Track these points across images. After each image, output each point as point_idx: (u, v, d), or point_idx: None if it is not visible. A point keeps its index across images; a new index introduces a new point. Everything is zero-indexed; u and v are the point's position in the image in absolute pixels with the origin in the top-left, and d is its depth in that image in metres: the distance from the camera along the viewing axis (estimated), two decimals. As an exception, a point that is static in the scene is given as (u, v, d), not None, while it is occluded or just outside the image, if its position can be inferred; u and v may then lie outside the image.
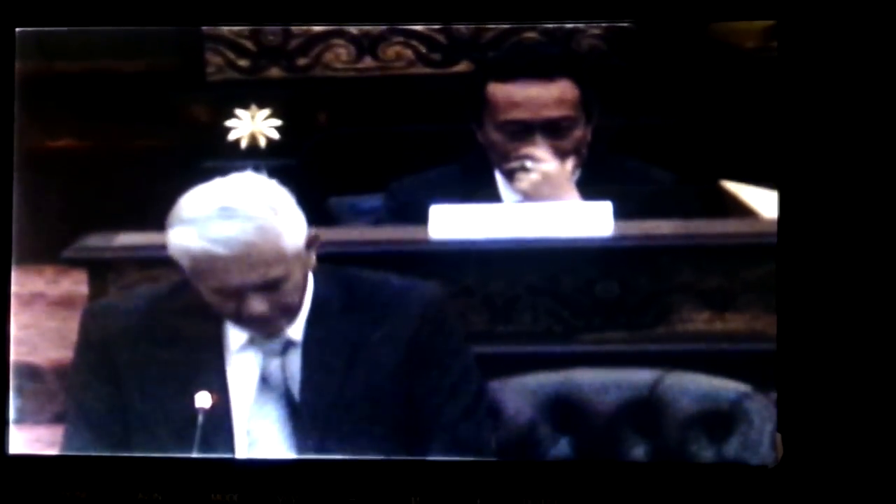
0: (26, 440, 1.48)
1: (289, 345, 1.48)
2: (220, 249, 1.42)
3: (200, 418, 1.45)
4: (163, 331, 1.48)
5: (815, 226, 1.41)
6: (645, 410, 1.46)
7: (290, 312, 1.47)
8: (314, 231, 1.46)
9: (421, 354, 1.47)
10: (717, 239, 1.49)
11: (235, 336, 1.47)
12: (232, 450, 1.46)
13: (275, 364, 1.48)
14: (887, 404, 1.40)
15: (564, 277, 1.48)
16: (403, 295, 1.48)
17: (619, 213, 1.48)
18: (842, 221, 1.41)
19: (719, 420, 1.46)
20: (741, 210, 1.47)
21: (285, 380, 1.48)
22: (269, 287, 1.44)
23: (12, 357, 1.48)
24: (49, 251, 1.50)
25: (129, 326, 1.48)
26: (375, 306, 1.47)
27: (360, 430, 1.46)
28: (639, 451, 1.47)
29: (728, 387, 1.47)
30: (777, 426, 1.43)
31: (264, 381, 1.48)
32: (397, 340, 1.47)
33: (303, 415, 1.47)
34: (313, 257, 1.47)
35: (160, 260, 1.49)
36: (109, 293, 1.51)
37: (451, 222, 1.49)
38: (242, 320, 1.46)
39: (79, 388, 1.48)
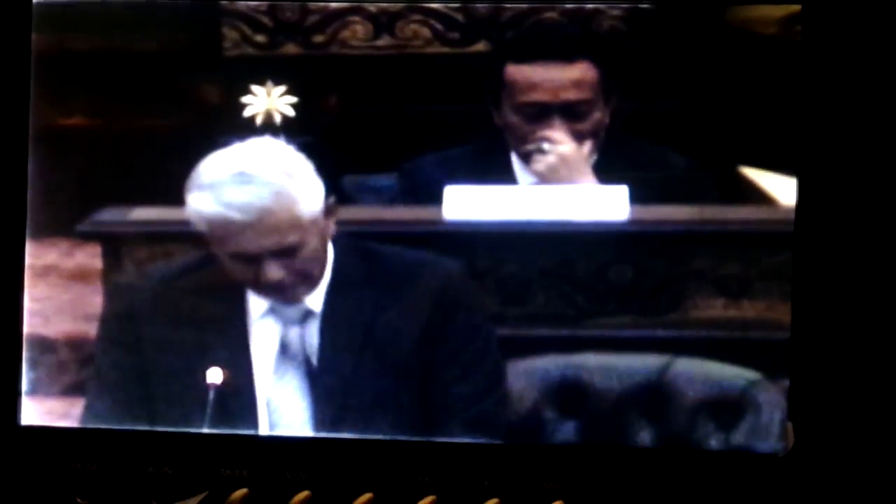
0: (38, 412, 1.49)
1: (308, 314, 1.48)
2: (235, 214, 1.43)
3: (211, 394, 1.46)
4: (186, 302, 1.49)
5: (833, 215, 1.40)
6: (653, 396, 1.46)
7: (310, 280, 1.47)
8: (332, 199, 1.46)
9: (438, 331, 1.47)
10: (733, 226, 1.47)
11: (256, 305, 1.48)
12: (254, 421, 1.47)
13: (294, 333, 1.48)
14: (901, 397, 1.39)
15: (578, 261, 1.48)
16: (423, 270, 1.48)
17: (635, 198, 1.47)
18: (860, 211, 1.40)
19: (727, 407, 1.46)
20: (759, 197, 1.46)
21: (304, 349, 1.48)
22: (286, 253, 1.45)
23: (25, 329, 1.48)
24: (64, 224, 1.50)
25: (153, 297, 1.49)
26: (395, 280, 1.48)
27: (375, 405, 1.47)
28: (646, 437, 1.46)
29: (737, 374, 1.46)
30: (788, 415, 1.42)
31: (283, 350, 1.48)
32: (415, 315, 1.47)
33: (320, 386, 1.47)
34: (332, 225, 1.47)
35: (174, 235, 1.50)
36: (124, 267, 1.52)
37: (465, 203, 1.49)
38: (260, 287, 1.47)
39: (101, 359, 1.49)
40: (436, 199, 1.48)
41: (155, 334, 1.49)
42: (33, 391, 1.49)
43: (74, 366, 1.50)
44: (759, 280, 1.46)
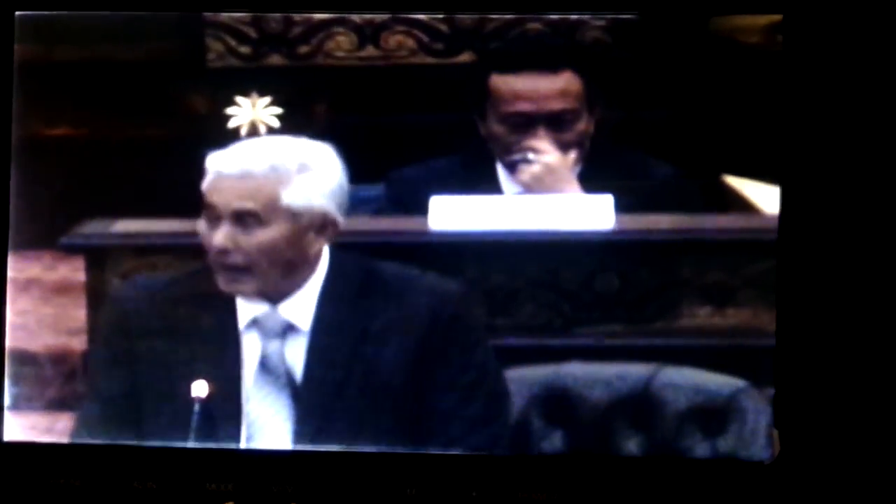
0: (21, 426, 1.47)
1: (289, 328, 1.47)
2: (226, 167, 1.44)
3: (196, 407, 1.45)
4: (176, 313, 1.47)
5: (816, 222, 1.41)
6: (639, 405, 1.46)
7: (260, 276, 1.45)
8: (335, 220, 1.45)
9: (434, 351, 1.46)
10: (718, 234, 1.49)
11: (242, 317, 1.47)
12: (238, 434, 1.46)
13: (274, 346, 1.47)
14: (885, 401, 1.40)
15: (565, 270, 1.48)
16: (420, 289, 1.47)
17: (621, 207, 1.48)
18: (843, 218, 1.41)
19: (713, 415, 1.46)
20: (742, 205, 1.47)
21: (285, 364, 1.47)
22: (243, 218, 1.43)
23: (8, 343, 1.47)
24: (47, 237, 1.49)
25: (146, 309, 1.48)
26: (390, 298, 1.47)
27: (361, 422, 1.46)
28: (632, 445, 1.46)
29: (722, 382, 1.47)
30: (774, 422, 1.43)
31: (263, 364, 1.47)
32: (408, 334, 1.46)
33: (303, 402, 1.46)
34: (321, 242, 1.46)
35: (158, 247, 1.49)
36: (109, 280, 1.50)
37: (451, 213, 1.49)
38: (214, 263, 1.45)
39: (95, 372, 1.48)
40: (422, 209, 1.48)
41: (146, 346, 1.48)
42: (16, 406, 1.48)
43: (58, 380, 1.49)
44: (744, 288, 1.47)
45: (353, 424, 1.46)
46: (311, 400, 1.46)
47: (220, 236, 1.44)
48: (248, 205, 1.44)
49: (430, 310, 1.46)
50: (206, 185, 1.45)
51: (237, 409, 1.47)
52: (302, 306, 1.47)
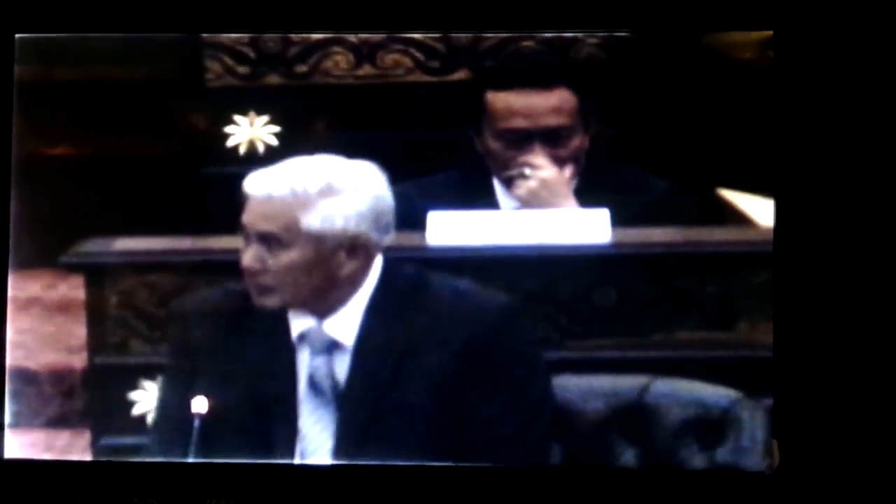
0: (22, 444, 1.47)
1: (334, 345, 1.47)
2: (251, 189, 1.44)
3: (197, 422, 1.45)
4: (235, 329, 1.47)
5: (811, 234, 1.42)
6: (635, 417, 1.46)
7: (287, 290, 1.45)
8: (367, 241, 1.45)
9: (472, 364, 1.45)
10: (713, 247, 1.49)
11: (293, 331, 1.47)
12: (292, 449, 1.46)
13: (319, 362, 1.47)
14: (883, 411, 1.40)
15: (562, 284, 1.49)
16: (465, 302, 1.46)
17: (617, 221, 1.49)
18: (838, 230, 1.42)
19: (709, 426, 1.46)
20: (738, 218, 1.48)
21: (331, 381, 1.46)
22: (267, 240, 1.44)
23: (8, 361, 1.47)
24: (47, 256, 1.49)
25: (205, 323, 1.48)
26: (434, 312, 1.46)
27: (398, 437, 1.45)
28: (629, 457, 1.46)
29: (718, 393, 1.47)
30: (773, 433, 1.43)
31: (311, 380, 1.47)
32: (448, 347, 1.45)
33: (344, 419, 1.46)
34: (355, 262, 1.45)
35: (158, 265, 1.50)
36: (108, 298, 1.51)
37: (449, 229, 1.50)
38: (246, 279, 1.45)
39: (161, 391, 1.49)
40: (419, 224, 1.49)
41: (205, 360, 1.48)
42: (16, 424, 1.48)
43: (58, 398, 1.49)
44: (741, 300, 1.47)
45: (391, 440, 1.45)
46: (350, 416, 1.45)
47: (248, 256, 1.45)
48: (270, 227, 1.44)
49: (472, 323, 1.45)
50: (244, 206, 1.46)
51: (292, 425, 1.46)
52: (346, 323, 1.46)
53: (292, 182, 1.44)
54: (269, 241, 1.44)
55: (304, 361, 1.47)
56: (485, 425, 1.44)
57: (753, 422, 1.45)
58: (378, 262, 1.47)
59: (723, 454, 1.46)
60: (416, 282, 1.47)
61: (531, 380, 1.46)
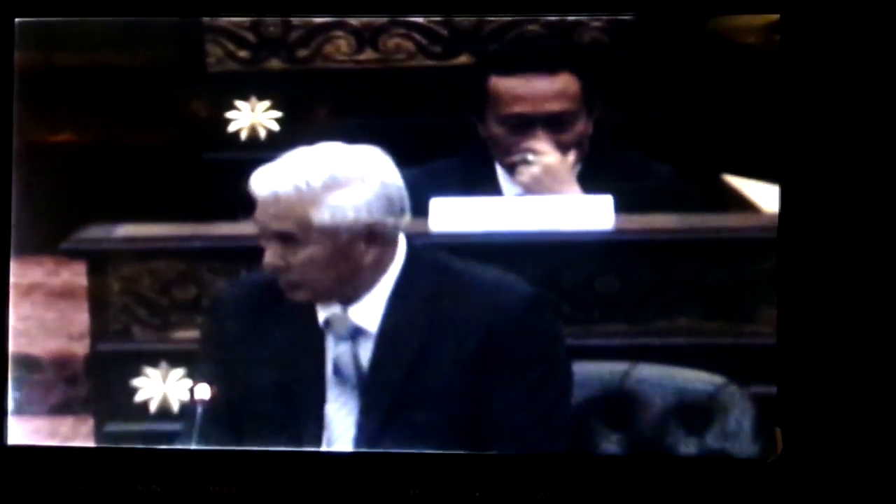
0: (25, 431, 1.48)
1: (357, 332, 1.46)
2: (257, 189, 1.43)
3: (199, 409, 1.46)
4: (266, 315, 1.47)
5: (816, 221, 1.41)
6: (615, 404, 1.47)
7: (316, 286, 1.45)
8: (384, 227, 1.44)
9: (493, 351, 1.44)
10: (717, 233, 1.49)
11: (320, 317, 1.47)
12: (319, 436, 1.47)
13: (343, 349, 1.46)
14: (887, 400, 1.40)
15: (565, 271, 1.48)
16: (489, 289, 1.46)
17: (620, 207, 1.48)
18: (843, 217, 1.41)
19: (694, 412, 1.46)
20: (742, 205, 1.47)
21: (355, 367, 1.46)
22: (283, 239, 1.43)
23: (11, 348, 1.47)
24: (48, 242, 1.49)
25: (238, 311, 1.48)
26: (458, 298, 1.45)
27: (421, 425, 1.45)
28: (611, 445, 1.46)
29: (703, 379, 1.47)
30: (776, 421, 1.43)
31: (336, 366, 1.47)
32: (470, 335, 1.44)
33: (366, 405, 1.45)
34: (376, 250, 1.44)
35: (160, 251, 1.50)
36: (110, 284, 1.51)
37: (451, 215, 1.49)
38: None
39: (201, 376, 1.49)
40: (421, 211, 1.48)
41: (239, 347, 1.48)
42: (19, 411, 1.48)
43: (61, 385, 1.50)
44: (745, 287, 1.47)
45: (413, 425, 1.45)
46: (373, 402, 1.45)
47: (270, 255, 1.44)
48: (283, 226, 1.43)
49: (496, 311, 1.44)
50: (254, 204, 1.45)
51: (319, 411, 1.46)
52: (371, 309, 1.46)
53: (296, 178, 1.43)
54: (286, 239, 1.43)
55: (330, 347, 1.47)
56: (503, 414, 1.44)
57: (739, 408, 1.45)
58: (402, 247, 1.46)
59: (711, 440, 1.46)
60: (440, 267, 1.46)
61: (552, 372, 1.45)
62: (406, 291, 1.46)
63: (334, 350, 1.47)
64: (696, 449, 1.46)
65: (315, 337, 1.47)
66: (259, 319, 1.48)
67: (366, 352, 1.46)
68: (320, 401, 1.46)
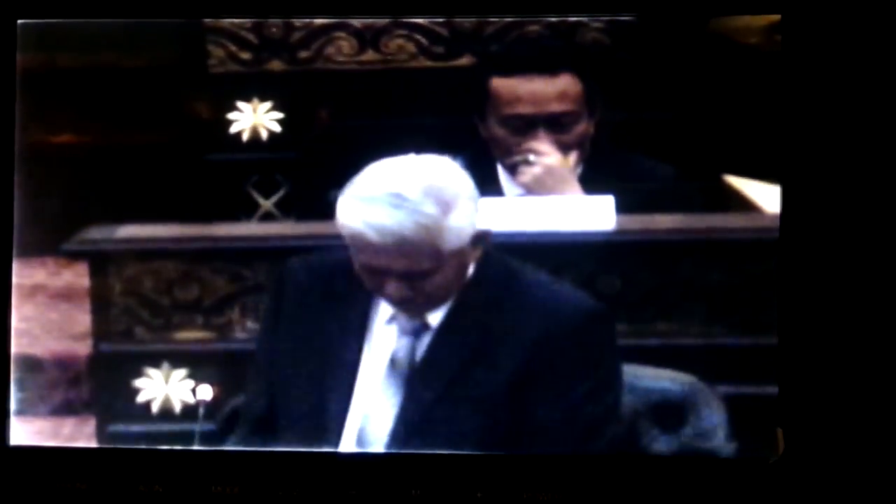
0: (27, 431, 1.48)
1: (423, 327, 1.46)
2: (373, 235, 1.40)
3: (201, 410, 1.46)
4: (321, 304, 1.47)
5: (817, 221, 1.41)
6: None
7: (434, 301, 1.45)
8: (485, 230, 1.44)
9: (543, 361, 1.43)
10: (719, 234, 1.49)
11: (385, 311, 1.46)
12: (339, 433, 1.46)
13: (403, 343, 1.46)
14: (888, 400, 1.40)
15: (566, 271, 1.48)
16: (550, 298, 1.45)
17: (622, 208, 1.48)
18: (844, 217, 1.41)
19: (667, 412, 1.46)
20: (744, 205, 1.47)
21: (410, 361, 1.46)
22: (414, 276, 1.42)
23: (13, 349, 1.48)
24: (51, 243, 1.50)
25: (307, 293, 1.47)
26: (521, 304, 1.44)
27: (460, 424, 1.44)
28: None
29: (673, 377, 1.47)
30: (778, 421, 1.43)
31: (392, 360, 1.46)
32: (523, 342, 1.43)
33: (412, 401, 1.45)
34: (479, 251, 1.44)
35: (162, 252, 1.50)
36: (113, 285, 1.51)
37: (452, 216, 1.49)
38: (384, 298, 1.45)
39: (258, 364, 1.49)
40: (423, 212, 1.49)
41: (288, 348, 1.47)
42: (21, 411, 1.49)
43: (63, 385, 1.50)
44: (746, 287, 1.47)
45: (451, 423, 1.44)
46: (418, 397, 1.44)
47: (396, 289, 1.42)
48: (417, 266, 1.42)
49: (552, 320, 1.44)
50: (352, 240, 1.42)
51: (364, 400, 1.46)
52: (440, 307, 1.46)
53: (415, 216, 1.40)
54: (415, 276, 1.42)
55: (391, 340, 1.46)
56: (545, 424, 1.43)
57: (710, 407, 1.45)
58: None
59: (684, 439, 1.46)
60: (507, 271, 1.46)
61: (602, 387, 1.44)
62: (473, 292, 1.45)
63: (396, 343, 1.46)
64: (673, 446, 1.46)
65: (377, 328, 1.46)
66: (321, 301, 1.46)
67: (423, 347, 1.46)
68: (369, 391, 1.45)
